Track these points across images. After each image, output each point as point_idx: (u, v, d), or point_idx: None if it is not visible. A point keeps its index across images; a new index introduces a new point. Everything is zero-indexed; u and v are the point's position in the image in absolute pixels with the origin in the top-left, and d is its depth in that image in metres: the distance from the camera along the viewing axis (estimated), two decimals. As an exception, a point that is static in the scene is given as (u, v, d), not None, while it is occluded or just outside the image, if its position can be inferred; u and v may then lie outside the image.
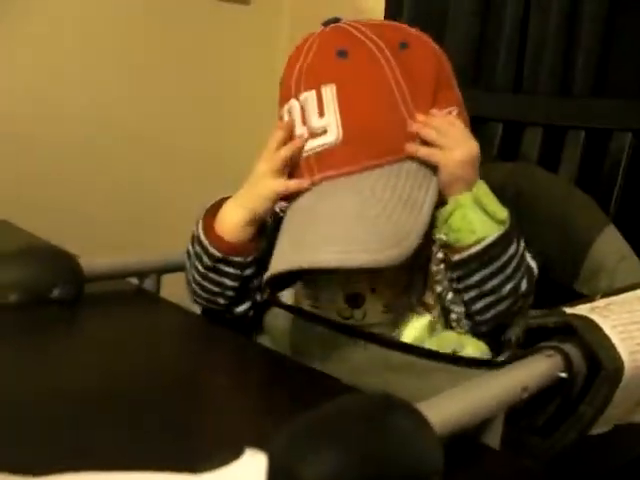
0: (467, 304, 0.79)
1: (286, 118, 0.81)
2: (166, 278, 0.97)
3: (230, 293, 0.83)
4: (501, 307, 0.77)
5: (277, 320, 0.85)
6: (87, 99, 1.70)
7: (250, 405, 0.63)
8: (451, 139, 0.78)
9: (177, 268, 0.95)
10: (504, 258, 0.76)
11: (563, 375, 0.64)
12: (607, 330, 0.65)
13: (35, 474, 0.43)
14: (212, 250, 0.82)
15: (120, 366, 0.69)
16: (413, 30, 0.85)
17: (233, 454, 0.40)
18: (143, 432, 0.55)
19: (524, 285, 0.78)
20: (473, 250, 0.76)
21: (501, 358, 0.76)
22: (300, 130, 0.79)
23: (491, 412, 0.57)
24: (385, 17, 1.55)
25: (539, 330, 0.70)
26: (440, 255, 0.80)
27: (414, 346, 0.76)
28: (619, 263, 0.91)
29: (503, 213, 0.77)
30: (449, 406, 0.52)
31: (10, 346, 0.71)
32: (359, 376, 0.74)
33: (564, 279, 0.94)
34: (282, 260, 0.73)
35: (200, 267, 0.83)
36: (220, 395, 0.65)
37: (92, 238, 1.39)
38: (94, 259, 0.88)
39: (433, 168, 0.77)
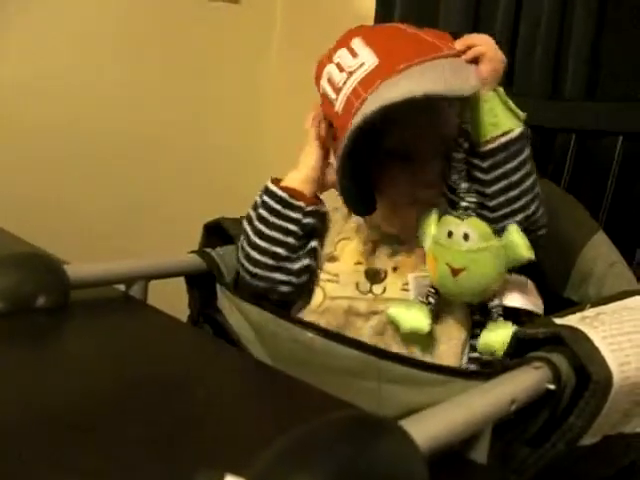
0: (489, 195, 0.82)
1: (326, 85, 0.86)
2: (153, 284, 0.96)
3: (291, 240, 0.89)
4: (520, 202, 0.82)
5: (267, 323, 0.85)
6: (78, 98, 1.69)
7: (235, 418, 0.62)
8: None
9: (165, 274, 0.95)
10: (525, 153, 0.83)
11: (551, 387, 0.63)
12: (597, 342, 0.65)
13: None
14: (277, 190, 0.91)
15: (105, 375, 0.69)
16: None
17: (213, 478, 0.39)
18: (126, 445, 0.54)
19: (537, 196, 0.84)
20: (503, 140, 0.81)
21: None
22: (339, 77, 0.84)
23: (478, 427, 0.56)
24: (375, 17, 1.54)
25: (528, 341, 0.69)
26: (466, 145, 0.82)
27: (408, 358, 0.76)
28: (608, 269, 0.90)
29: (522, 113, 0.83)
30: (434, 423, 0.51)
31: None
32: (351, 380, 0.74)
33: (554, 286, 0.94)
34: (380, 98, 0.77)
35: (264, 213, 0.90)
36: (206, 407, 0.64)
37: (81, 243, 1.39)
38: (80, 265, 0.87)
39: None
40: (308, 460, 0.43)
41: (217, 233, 1.01)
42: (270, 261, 0.89)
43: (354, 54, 0.83)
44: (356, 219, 0.94)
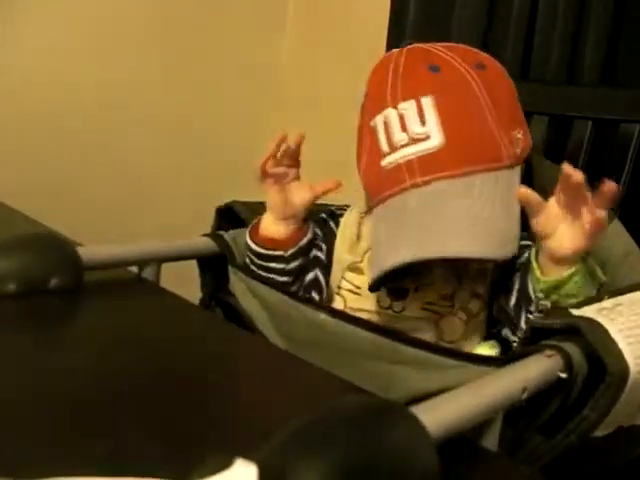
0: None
1: (380, 127, 0.85)
2: (166, 267, 0.96)
3: (286, 279, 0.92)
4: None
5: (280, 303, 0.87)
6: (88, 82, 1.69)
7: (248, 402, 0.62)
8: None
9: (178, 257, 0.95)
10: None
11: (563, 375, 0.63)
12: (614, 334, 0.64)
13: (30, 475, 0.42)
14: (253, 246, 0.92)
15: (118, 357, 0.69)
16: (482, 53, 0.91)
17: (224, 462, 0.39)
18: (139, 428, 0.54)
19: None
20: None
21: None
22: (399, 136, 0.84)
23: (489, 414, 0.56)
24: (390, 13, 1.53)
25: (544, 330, 0.69)
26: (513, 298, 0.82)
27: (421, 340, 0.77)
28: (624, 258, 0.90)
29: (603, 275, 0.79)
30: (445, 410, 0.51)
31: (7, 337, 0.70)
32: (364, 362, 0.75)
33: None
34: (403, 252, 0.78)
35: (253, 266, 0.93)
36: (218, 390, 0.64)
37: (94, 224, 1.39)
38: (93, 247, 0.87)
39: (516, 182, 0.83)
40: (316, 446, 0.43)
41: (229, 216, 1.01)
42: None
43: (422, 119, 0.83)
44: None
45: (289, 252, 0.91)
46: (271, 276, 0.91)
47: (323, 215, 0.97)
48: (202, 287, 0.99)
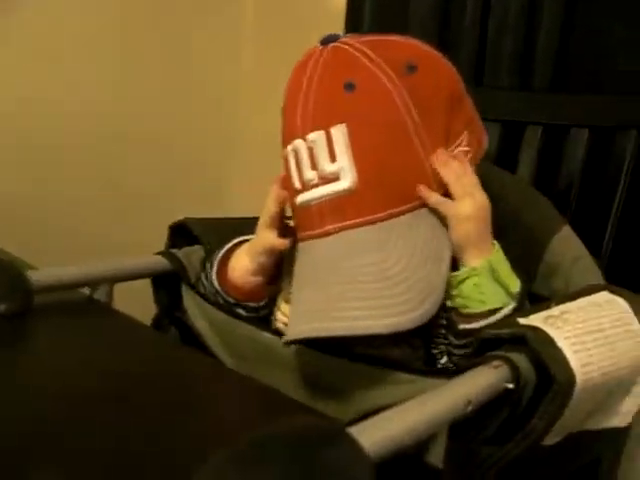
0: (458, 355, 0.78)
1: (291, 160, 0.78)
2: (120, 284, 0.95)
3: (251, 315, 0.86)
4: None
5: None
6: (68, 96, 1.68)
7: (191, 423, 0.62)
8: (462, 187, 0.76)
9: (130, 276, 0.94)
10: None
11: (510, 386, 0.63)
12: (559, 342, 0.64)
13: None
14: (225, 296, 0.86)
15: (67, 380, 0.68)
16: (422, 46, 0.81)
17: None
18: (87, 454, 0.54)
19: None
20: (482, 323, 0.75)
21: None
22: (310, 175, 0.76)
23: (431, 430, 0.56)
24: (347, 12, 1.54)
25: (492, 341, 0.69)
26: (443, 321, 0.78)
27: (371, 356, 0.76)
28: (574, 263, 0.90)
29: (516, 286, 0.76)
30: (386, 428, 0.51)
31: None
32: (313, 379, 0.74)
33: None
34: (296, 327, 0.73)
35: (217, 305, 0.86)
36: (167, 412, 0.64)
37: (47, 244, 1.38)
38: (43, 270, 0.87)
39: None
40: (253, 468, 0.43)
41: (182, 233, 1.00)
42: None
43: (333, 155, 0.74)
44: None
45: (262, 303, 0.86)
46: (238, 317, 0.85)
47: None
48: (156, 304, 0.98)
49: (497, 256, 0.76)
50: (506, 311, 0.75)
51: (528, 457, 0.66)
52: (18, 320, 0.80)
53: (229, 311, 0.86)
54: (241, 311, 0.86)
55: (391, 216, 0.74)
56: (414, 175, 0.75)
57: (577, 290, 0.79)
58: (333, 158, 0.74)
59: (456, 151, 0.78)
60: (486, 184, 0.95)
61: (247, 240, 0.88)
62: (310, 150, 0.75)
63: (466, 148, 0.79)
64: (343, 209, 0.74)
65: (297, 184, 0.77)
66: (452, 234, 0.75)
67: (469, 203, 0.75)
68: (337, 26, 1.58)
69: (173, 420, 0.62)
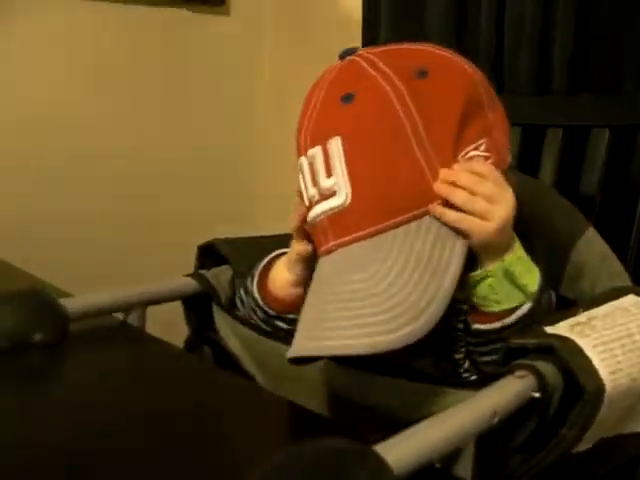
0: (478, 363, 0.79)
1: (300, 177, 0.78)
2: (153, 308, 0.97)
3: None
4: None
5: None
6: (63, 115, 1.71)
7: (226, 446, 0.63)
8: (482, 203, 0.71)
9: (161, 299, 0.96)
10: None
11: (536, 395, 0.63)
12: (588, 352, 0.64)
13: None
14: (265, 307, 0.86)
15: (103, 408, 0.70)
16: (438, 51, 0.78)
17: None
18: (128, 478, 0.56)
19: None
20: (496, 325, 0.75)
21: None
22: (312, 192, 0.75)
23: (458, 444, 0.57)
24: (363, 22, 1.55)
25: (519, 350, 0.69)
26: (460, 325, 0.78)
27: (396, 367, 0.77)
28: (600, 264, 0.90)
29: (534, 284, 0.75)
30: (412, 445, 0.52)
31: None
32: (342, 395, 0.75)
33: (550, 283, 0.93)
34: (294, 345, 0.71)
35: (255, 318, 0.88)
36: (204, 437, 0.65)
37: (80, 272, 1.40)
38: (78, 298, 0.89)
39: None
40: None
41: (211, 254, 1.02)
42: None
43: (329, 170, 0.73)
44: None
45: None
46: (275, 332, 0.86)
47: None
48: (188, 326, 0.99)
49: (514, 256, 0.74)
50: (522, 311, 0.74)
51: (559, 463, 0.66)
52: (53, 350, 0.82)
53: (261, 329, 0.87)
54: (281, 324, 0.86)
55: (388, 228, 0.71)
56: (413, 184, 0.72)
57: (603, 293, 0.78)
58: (329, 173, 0.73)
59: (471, 154, 0.74)
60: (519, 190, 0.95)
61: (285, 252, 0.88)
62: (311, 166, 0.75)
63: (486, 153, 0.75)
64: (340, 225, 0.73)
65: (306, 202, 0.77)
66: (472, 242, 0.73)
67: (494, 222, 0.72)
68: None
69: (205, 445, 0.63)
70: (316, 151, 0.74)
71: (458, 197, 0.71)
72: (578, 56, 1.22)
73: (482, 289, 0.75)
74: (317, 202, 0.75)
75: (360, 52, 0.78)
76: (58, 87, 1.71)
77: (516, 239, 0.76)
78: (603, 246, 0.91)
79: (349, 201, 0.72)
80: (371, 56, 0.76)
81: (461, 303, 0.77)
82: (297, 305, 0.83)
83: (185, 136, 1.88)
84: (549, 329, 0.69)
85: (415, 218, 0.71)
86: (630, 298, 0.76)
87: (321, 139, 0.74)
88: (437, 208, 0.71)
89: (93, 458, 0.59)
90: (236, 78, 1.95)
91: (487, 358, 0.77)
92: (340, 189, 0.72)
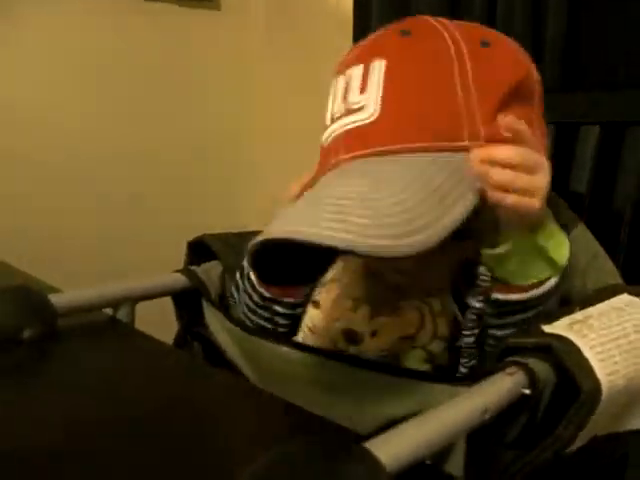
0: (494, 337, 0.76)
1: (330, 96, 0.75)
2: (143, 303, 0.97)
3: (282, 329, 0.87)
4: None
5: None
6: (59, 114, 1.70)
7: (216, 443, 0.63)
8: (524, 178, 0.67)
9: (150, 295, 0.96)
10: (552, 301, 0.75)
11: (526, 392, 0.63)
12: (586, 352, 0.64)
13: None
14: (262, 290, 0.85)
15: (93, 404, 0.70)
16: (497, 34, 0.76)
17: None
18: (117, 473, 0.56)
19: None
20: (523, 296, 0.73)
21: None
22: (338, 107, 0.72)
23: (449, 441, 0.57)
24: (354, 21, 1.55)
25: (516, 349, 0.69)
26: (478, 304, 0.74)
27: (386, 365, 0.77)
28: (591, 261, 0.90)
29: (563, 260, 0.73)
30: (402, 441, 0.52)
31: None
32: (331, 392, 0.75)
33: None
34: (268, 230, 0.66)
35: (250, 303, 0.87)
36: (193, 435, 0.65)
37: (68, 266, 1.40)
38: (66, 293, 0.88)
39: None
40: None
41: (201, 250, 1.01)
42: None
43: (364, 86, 0.70)
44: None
45: (298, 300, 0.86)
46: (272, 317, 0.87)
47: None
48: (178, 321, 0.99)
49: (548, 230, 0.72)
50: (549, 285, 0.73)
51: (551, 461, 0.66)
52: (42, 345, 0.81)
53: (250, 328, 0.87)
54: (278, 307, 0.86)
55: (406, 150, 0.68)
56: (445, 118, 0.68)
57: (598, 291, 0.79)
58: (363, 89, 0.70)
59: (512, 120, 0.69)
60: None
61: None
62: (346, 84, 0.72)
63: (523, 126, 0.70)
64: (358, 138, 0.70)
65: (327, 121, 0.75)
66: (507, 216, 0.68)
67: (540, 189, 0.68)
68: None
69: (193, 442, 0.62)
70: (356, 69, 0.72)
71: (502, 178, 0.66)
72: (569, 53, 1.22)
73: (511, 264, 0.72)
74: (340, 117, 0.72)
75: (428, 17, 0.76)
76: (41, 82, 1.69)
77: (549, 212, 0.73)
78: (594, 243, 0.91)
79: (374, 118, 0.69)
80: (440, 19, 0.75)
81: (480, 277, 0.73)
82: (294, 290, 0.83)
83: (174, 131, 1.87)
84: (547, 328, 0.69)
85: (436, 149, 0.68)
86: (624, 297, 0.76)
87: (365, 59, 0.72)
88: (496, 194, 0.66)
89: (82, 455, 0.59)
90: (226, 72, 1.94)
91: (503, 332, 0.75)
92: (369, 104, 0.69)
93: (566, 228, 0.90)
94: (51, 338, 0.83)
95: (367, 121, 0.69)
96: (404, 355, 0.81)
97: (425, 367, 0.80)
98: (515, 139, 0.68)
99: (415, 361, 0.81)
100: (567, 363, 0.63)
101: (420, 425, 0.54)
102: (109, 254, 1.75)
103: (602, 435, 0.70)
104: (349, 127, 0.71)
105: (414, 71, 0.70)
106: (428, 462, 0.57)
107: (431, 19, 0.74)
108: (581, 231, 0.92)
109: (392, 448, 0.50)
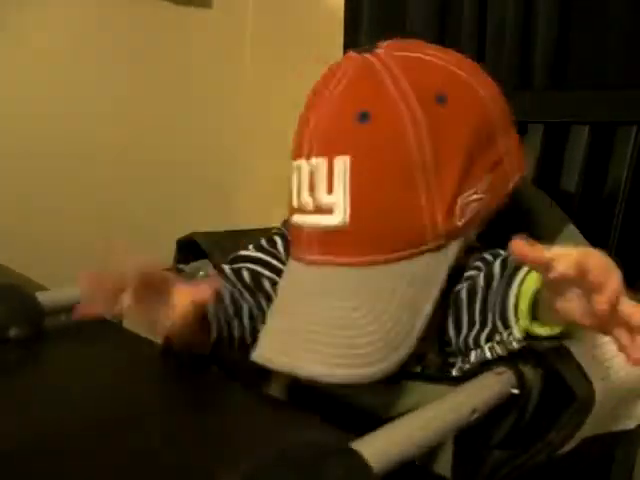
0: None
1: (294, 176, 0.76)
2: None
3: None
4: None
5: None
6: (48, 110, 1.69)
7: (204, 441, 0.62)
8: None
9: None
10: None
11: (515, 391, 0.63)
12: (578, 357, 0.64)
13: None
14: None
15: (78, 405, 0.69)
16: (458, 70, 0.75)
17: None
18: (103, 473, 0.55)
19: None
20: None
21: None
22: (306, 199, 0.73)
23: (437, 440, 0.56)
24: (345, 20, 1.54)
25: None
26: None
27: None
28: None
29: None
30: (390, 441, 0.52)
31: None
32: (328, 390, 0.74)
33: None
34: (263, 350, 0.72)
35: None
36: (183, 434, 0.65)
37: (56, 264, 1.39)
38: (53, 292, 0.88)
39: (439, 267, 0.71)
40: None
41: (190, 248, 1.01)
42: None
43: (331, 186, 0.71)
44: None
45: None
46: None
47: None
48: (167, 320, 0.98)
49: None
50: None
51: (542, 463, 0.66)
52: (29, 344, 0.81)
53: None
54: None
55: (377, 262, 0.71)
56: (410, 222, 0.70)
57: None
58: (330, 189, 0.71)
59: (469, 199, 0.72)
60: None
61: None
62: (311, 174, 0.73)
63: (483, 195, 0.73)
64: (331, 244, 0.72)
65: (295, 202, 0.76)
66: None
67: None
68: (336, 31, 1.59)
69: (184, 442, 0.62)
70: (321, 162, 0.72)
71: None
72: (559, 52, 1.22)
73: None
74: (310, 212, 0.73)
75: (379, 52, 0.74)
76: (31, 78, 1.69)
77: None
78: (583, 243, 0.91)
79: (345, 225, 0.71)
80: (392, 63, 0.73)
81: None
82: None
83: (163, 130, 1.86)
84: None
85: (404, 258, 0.70)
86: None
87: (328, 152, 0.72)
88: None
89: (68, 454, 0.58)
90: (218, 70, 1.93)
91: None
92: (338, 210, 0.71)
93: (556, 228, 0.91)
94: (38, 336, 0.82)
95: (338, 228, 0.71)
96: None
97: (417, 369, 0.79)
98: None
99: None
100: (558, 367, 0.63)
101: (407, 425, 0.54)
102: (96, 252, 1.74)
103: (589, 437, 0.70)
104: (321, 230, 0.72)
105: (378, 173, 0.70)
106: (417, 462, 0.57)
107: (384, 74, 0.72)
108: (571, 231, 0.92)
109: (379, 447, 0.50)
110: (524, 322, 0.63)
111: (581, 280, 0.54)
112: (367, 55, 0.75)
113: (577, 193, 1.06)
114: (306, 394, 0.75)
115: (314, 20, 1.75)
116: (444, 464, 0.59)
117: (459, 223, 0.71)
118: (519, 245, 0.55)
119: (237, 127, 1.96)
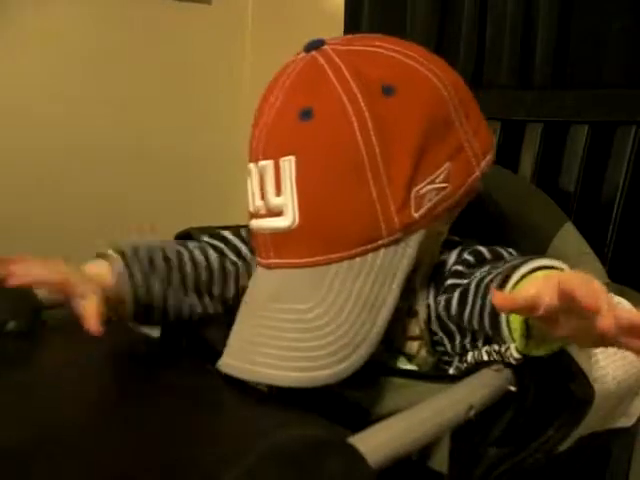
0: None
1: (248, 181, 0.75)
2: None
3: None
4: None
5: None
6: (47, 107, 1.69)
7: (203, 438, 0.62)
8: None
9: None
10: None
11: (512, 389, 0.63)
12: (577, 357, 0.64)
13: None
14: None
15: (76, 399, 0.69)
16: (408, 61, 0.73)
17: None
18: (99, 466, 0.55)
19: None
20: None
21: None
22: (259, 204, 0.73)
23: (434, 436, 0.57)
24: (345, 15, 1.54)
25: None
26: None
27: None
28: (577, 259, 0.90)
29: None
30: (387, 436, 0.52)
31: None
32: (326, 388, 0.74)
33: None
34: (228, 361, 0.72)
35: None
36: (179, 428, 0.65)
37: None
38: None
39: (398, 261, 0.70)
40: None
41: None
42: None
43: (279, 188, 0.70)
44: None
45: None
46: None
47: None
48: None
49: None
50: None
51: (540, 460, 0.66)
52: (27, 337, 0.81)
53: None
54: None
55: (330, 261, 0.69)
56: (361, 219, 0.69)
57: None
58: (279, 191, 0.70)
59: (425, 189, 0.70)
60: (488, 184, 0.96)
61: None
62: (261, 178, 0.72)
63: (442, 185, 0.71)
64: (284, 247, 0.71)
65: (250, 207, 0.75)
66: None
67: None
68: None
69: (180, 436, 0.62)
70: (268, 165, 0.71)
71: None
72: (559, 51, 1.22)
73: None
74: (262, 216, 0.73)
75: (327, 48, 0.73)
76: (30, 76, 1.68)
77: None
78: (581, 242, 0.92)
79: (295, 226, 0.70)
80: (336, 58, 0.71)
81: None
82: None
83: (161, 126, 1.86)
84: None
85: (358, 254, 0.69)
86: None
87: (274, 154, 0.71)
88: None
89: (67, 446, 0.58)
90: (218, 67, 1.93)
91: None
92: (287, 211, 0.70)
93: (554, 227, 0.91)
94: (35, 330, 0.82)
95: (287, 231, 0.70)
96: (387, 360, 0.80)
97: (411, 367, 0.79)
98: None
99: (399, 362, 0.80)
100: (556, 365, 0.63)
101: (404, 420, 0.54)
102: (95, 246, 1.74)
103: (586, 434, 0.70)
104: (273, 232, 0.72)
105: (324, 170, 0.69)
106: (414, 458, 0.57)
107: (328, 69, 0.71)
108: (569, 230, 0.92)
109: (375, 443, 0.50)
110: (520, 345, 0.62)
111: (570, 302, 0.52)
112: (313, 52, 0.73)
113: (576, 192, 1.06)
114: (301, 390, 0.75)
115: (314, 19, 1.75)
116: (441, 460, 0.59)
117: (416, 215, 0.70)
118: (499, 299, 0.55)
119: (236, 123, 1.95)
